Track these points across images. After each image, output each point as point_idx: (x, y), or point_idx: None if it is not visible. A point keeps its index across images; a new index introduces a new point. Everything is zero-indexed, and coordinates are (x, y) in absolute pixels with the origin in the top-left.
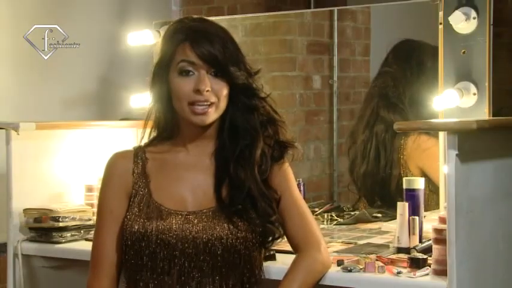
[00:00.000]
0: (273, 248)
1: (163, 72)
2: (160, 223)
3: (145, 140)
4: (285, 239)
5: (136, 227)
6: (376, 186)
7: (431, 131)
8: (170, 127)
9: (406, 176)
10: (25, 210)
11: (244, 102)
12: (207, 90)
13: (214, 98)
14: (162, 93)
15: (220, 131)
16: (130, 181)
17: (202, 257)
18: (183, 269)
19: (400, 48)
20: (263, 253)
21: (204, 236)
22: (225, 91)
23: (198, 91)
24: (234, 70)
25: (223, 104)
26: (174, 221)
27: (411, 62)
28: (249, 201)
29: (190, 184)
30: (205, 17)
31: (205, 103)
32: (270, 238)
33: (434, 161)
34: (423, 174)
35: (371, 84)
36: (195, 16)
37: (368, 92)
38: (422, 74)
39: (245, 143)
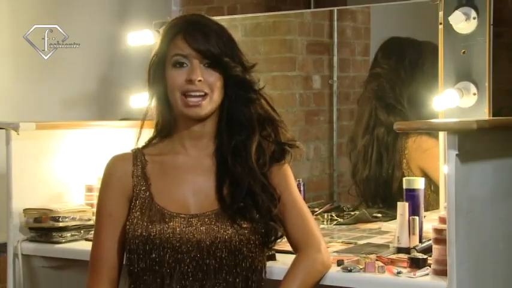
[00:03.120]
0: (273, 248)
1: (159, 68)
2: (163, 226)
3: (143, 140)
4: (285, 239)
5: (140, 231)
6: (379, 189)
7: (431, 131)
8: (168, 125)
9: (408, 177)
10: (25, 210)
11: (240, 95)
12: (199, 80)
13: (207, 88)
14: (159, 90)
15: (219, 129)
16: (131, 184)
17: (207, 260)
18: (187, 272)
19: (387, 48)
20: (265, 253)
21: (208, 239)
22: (218, 82)
23: (190, 81)
24: (227, 61)
25: (217, 96)
26: (177, 224)
27: (403, 61)
28: (250, 199)
29: (191, 186)
30: (204, 14)
31: (198, 93)
32: (273, 237)
33: (434, 161)
34: (424, 174)
35: (365, 87)
36: (193, 13)
37: (362, 95)
38: (417, 73)
39: (240, 139)
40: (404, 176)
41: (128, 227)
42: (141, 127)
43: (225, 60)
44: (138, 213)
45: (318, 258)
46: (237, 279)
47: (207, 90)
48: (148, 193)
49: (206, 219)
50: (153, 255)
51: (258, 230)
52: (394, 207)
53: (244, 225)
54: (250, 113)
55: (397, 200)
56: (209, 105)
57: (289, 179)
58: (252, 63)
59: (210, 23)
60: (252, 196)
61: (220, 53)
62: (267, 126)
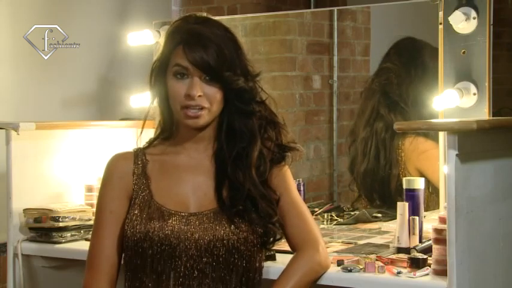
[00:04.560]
0: (273, 248)
1: (161, 71)
2: (162, 224)
3: (144, 139)
4: (285, 239)
5: (138, 228)
6: (376, 185)
7: (430, 132)
8: (169, 127)
9: (406, 176)
10: (25, 210)
11: (240, 107)
12: (199, 96)
13: (206, 103)
14: (161, 93)
15: (219, 132)
16: (131, 182)
17: (204, 259)
18: (184, 270)
19: (403, 45)
20: (264, 253)
21: (206, 237)
22: (218, 96)
23: (189, 96)
24: (228, 75)
25: (216, 108)
26: (175, 222)
27: (416, 61)
28: (249, 202)
29: (191, 185)
30: (210, 17)
31: (197, 107)
32: (271, 239)
33: (431, 163)
34: (421, 176)
35: (372, 79)
36: (200, 15)
37: (368, 88)
38: (426, 75)
39: (242, 146)
40: (402, 175)
41: (126, 224)
42: (143, 127)
43: (226, 75)
44: (137, 210)
45: (316, 258)
46: (234, 278)
47: (206, 105)
48: (148, 191)
49: (205, 218)
50: (151, 252)
51: (256, 231)
52: (393, 206)
53: (243, 224)
54: (252, 123)
55: (394, 197)
56: (208, 116)
57: (289, 180)
58: (256, 72)
59: (212, 33)
60: (251, 200)
61: (220, 67)
62: (269, 128)
